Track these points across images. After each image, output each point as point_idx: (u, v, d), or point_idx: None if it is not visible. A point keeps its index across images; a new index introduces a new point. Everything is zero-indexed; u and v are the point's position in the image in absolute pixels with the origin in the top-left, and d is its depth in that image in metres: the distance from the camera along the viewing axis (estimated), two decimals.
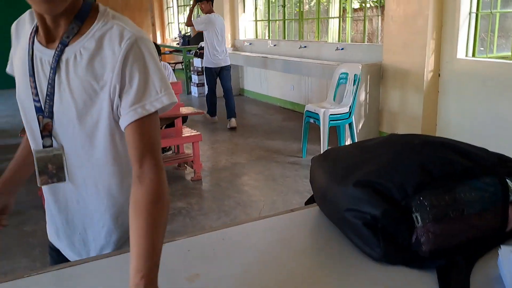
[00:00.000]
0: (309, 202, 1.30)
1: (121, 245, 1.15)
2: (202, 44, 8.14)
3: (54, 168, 1.09)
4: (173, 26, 12.46)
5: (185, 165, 4.52)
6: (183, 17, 11.87)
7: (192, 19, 6.29)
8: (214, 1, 6.09)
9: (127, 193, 0.99)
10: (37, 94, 1.04)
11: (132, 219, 0.91)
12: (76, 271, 1.03)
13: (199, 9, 6.29)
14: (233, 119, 6.09)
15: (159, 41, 12.54)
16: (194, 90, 8.69)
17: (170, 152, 4.86)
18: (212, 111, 6.45)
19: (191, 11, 6.39)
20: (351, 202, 1.02)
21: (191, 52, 8.87)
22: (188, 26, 6.92)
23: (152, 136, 0.98)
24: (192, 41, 9.12)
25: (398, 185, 0.98)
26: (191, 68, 8.86)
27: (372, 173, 1.03)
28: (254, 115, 6.98)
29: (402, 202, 0.97)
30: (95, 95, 1.00)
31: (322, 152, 1.29)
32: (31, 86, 1.04)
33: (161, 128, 4.22)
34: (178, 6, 12.05)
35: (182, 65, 10.04)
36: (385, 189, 0.99)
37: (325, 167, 1.18)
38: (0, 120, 7.11)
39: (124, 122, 0.99)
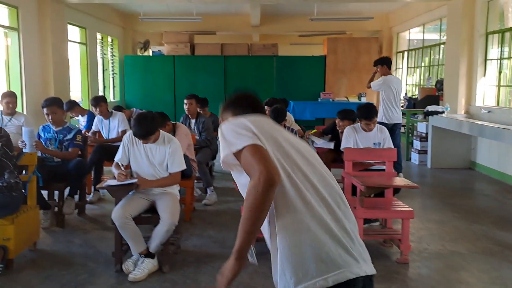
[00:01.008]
0: None
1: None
2: (429, 108, 7.63)
3: None
4: None
5: (391, 242, 3.99)
6: (412, 79, 11.42)
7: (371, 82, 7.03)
8: (390, 63, 6.90)
9: (278, 244, 1.46)
10: None
11: None
12: None
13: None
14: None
15: None
16: (414, 157, 8.03)
17: (377, 223, 4.42)
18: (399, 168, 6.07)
19: (372, 75, 7.22)
20: None
21: (416, 116, 8.29)
22: (367, 88, 7.47)
23: (246, 165, 1.45)
24: (419, 105, 8.54)
25: None
26: (414, 133, 8.25)
27: None
28: (486, 196, 5.90)
29: None
30: None
31: None
32: None
33: (369, 196, 3.85)
34: (407, 68, 11.65)
35: (404, 128, 9.52)
36: None
37: None
38: None
39: None
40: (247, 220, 1.36)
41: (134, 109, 7.37)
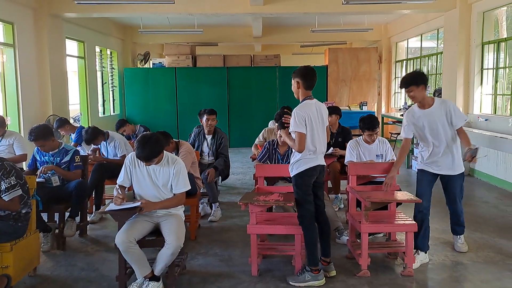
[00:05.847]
0: None
1: None
2: None
3: None
4: (399, 96, 12.14)
5: (396, 254, 4.01)
6: None
7: None
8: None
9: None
10: None
11: None
12: None
13: None
14: None
15: (383, 111, 12.39)
16: (415, 165, 8.10)
17: (381, 235, 4.44)
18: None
19: None
20: None
21: None
22: None
23: None
24: None
25: None
26: (413, 141, 8.29)
27: None
28: (485, 203, 5.93)
29: None
30: None
31: None
32: None
33: (371, 210, 3.88)
34: None
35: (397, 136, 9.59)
36: None
37: None
38: (236, 176, 7.86)
39: None
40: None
41: (138, 125, 7.18)
